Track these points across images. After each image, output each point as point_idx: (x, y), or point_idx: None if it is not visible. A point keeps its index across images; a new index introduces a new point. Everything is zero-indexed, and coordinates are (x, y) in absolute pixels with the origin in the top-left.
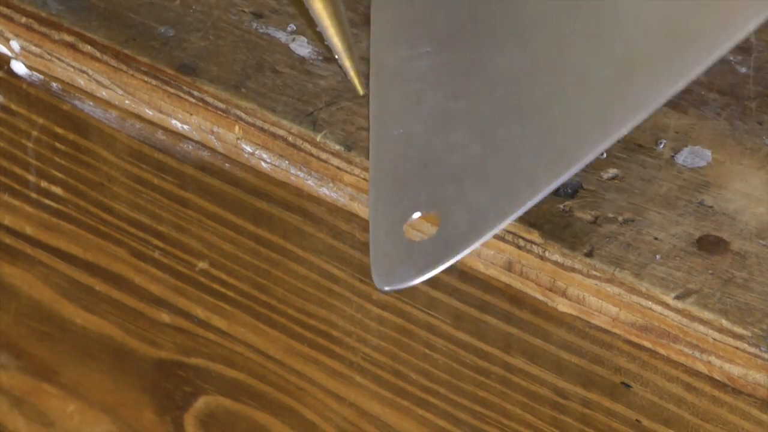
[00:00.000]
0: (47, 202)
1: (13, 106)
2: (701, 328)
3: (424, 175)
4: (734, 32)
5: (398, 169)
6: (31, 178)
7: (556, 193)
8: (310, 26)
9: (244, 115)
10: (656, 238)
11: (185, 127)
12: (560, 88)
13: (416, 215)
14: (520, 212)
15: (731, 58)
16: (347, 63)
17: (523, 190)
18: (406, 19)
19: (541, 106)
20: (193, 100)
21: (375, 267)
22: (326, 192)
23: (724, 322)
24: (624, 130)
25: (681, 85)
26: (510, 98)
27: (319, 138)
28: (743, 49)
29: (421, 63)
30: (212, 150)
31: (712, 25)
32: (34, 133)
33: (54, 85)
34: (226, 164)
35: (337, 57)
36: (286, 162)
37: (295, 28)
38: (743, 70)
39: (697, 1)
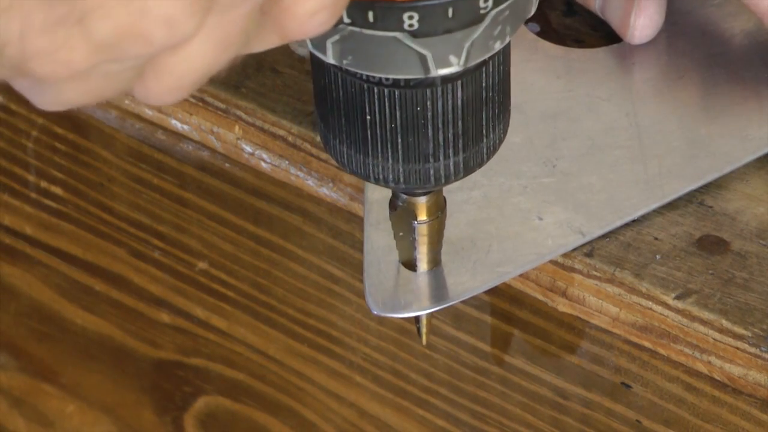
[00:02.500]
0: (47, 202)
1: (13, 106)
2: (701, 328)
3: None
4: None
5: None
6: (31, 178)
7: None
8: (403, 253)
9: (244, 115)
10: (656, 238)
11: (185, 127)
12: (593, 172)
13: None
14: (523, 270)
15: None
16: None
17: (531, 250)
18: None
19: (563, 180)
20: (193, 100)
21: (370, 291)
22: (326, 192)
23: (725, 323)
24: (630, 217)
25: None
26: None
27: (319, 138)
28: None
29: None
30: (212, 150)
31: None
32: (34, 133)
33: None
34: (226, 164)
35: None
36: (286, 162)
37: None
38: None
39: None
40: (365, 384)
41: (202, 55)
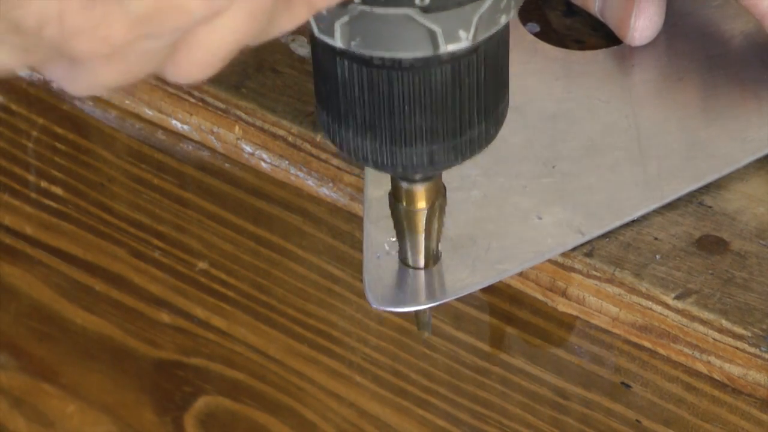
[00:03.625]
0: (47, 202)
1: (13, 106)
2: (701, 328)
3: None
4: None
5: None
6: (31, 178)
7: None
8: (403, 247)
9: (244, 115)
10: (656, 238)
11: (185, 127)
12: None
13: None
14: (522, 268)
15: None
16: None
17: (530, 249)
18: None
19: (564, 185)
20: (193, 100)
21: (369, 286)
22: (326, 192)
23: (724, 322)
24: (630, 218)
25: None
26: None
27: (319, 138)
28: None
29: None
30: (212, 150)
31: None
32: (34, 133)
33: (54, 84)
34: (226, 164)
35: None
36: (286, 162)
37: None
38: None
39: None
40: (365, 384)
41: (234, 26)
